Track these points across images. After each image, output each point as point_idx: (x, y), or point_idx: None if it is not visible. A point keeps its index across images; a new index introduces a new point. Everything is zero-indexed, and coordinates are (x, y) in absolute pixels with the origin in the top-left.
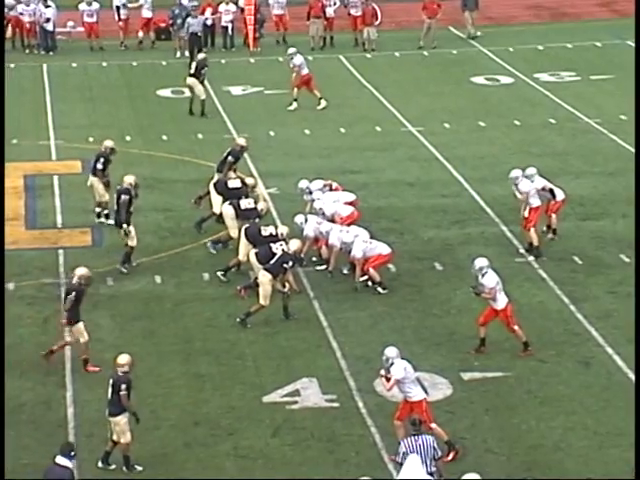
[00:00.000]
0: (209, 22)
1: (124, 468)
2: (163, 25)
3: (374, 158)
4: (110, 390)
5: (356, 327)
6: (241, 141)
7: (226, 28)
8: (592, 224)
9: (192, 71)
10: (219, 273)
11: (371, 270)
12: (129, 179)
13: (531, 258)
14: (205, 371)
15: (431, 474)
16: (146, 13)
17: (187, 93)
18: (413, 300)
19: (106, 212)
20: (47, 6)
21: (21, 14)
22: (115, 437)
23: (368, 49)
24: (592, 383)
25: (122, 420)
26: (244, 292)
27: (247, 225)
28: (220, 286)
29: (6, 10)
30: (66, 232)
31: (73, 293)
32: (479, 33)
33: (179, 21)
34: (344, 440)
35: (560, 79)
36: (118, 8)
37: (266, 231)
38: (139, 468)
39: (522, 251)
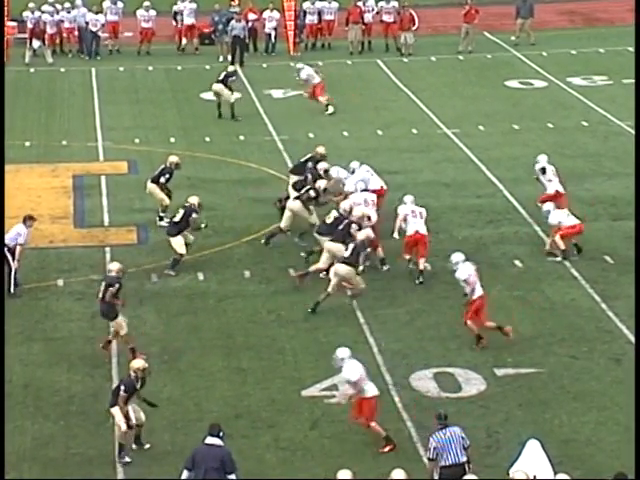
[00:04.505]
0: (249, 24)
1: (117, 454)
2: (207, 31)
3: (411, 159)
4: (116, 385)
5: (393, 323)
6: (321, 149)
7: (269, 34)
8: (624, 224)
9: (220, 78)
10: (292, 272)
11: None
12: (194, 200)
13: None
14: (246, 365)
15: (463, 463)
16: (188, 20)
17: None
18: (448, 297)
19: (161, 214)
20: (97, 12)
21: (62, 21)
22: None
23: (405, 53)
24: (623, 379)
25: (115, 410)
26: (299, 281)
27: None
28: (261, 283)
29: (43, 15)
30: (113, 230)
31: (116, 285)
32: (533, 40)
33: (220, 27)
34: None
35: (593, 83)
36: (175, 14)
37: (329, 218)
38: (127, 459)
39: (555, 250)
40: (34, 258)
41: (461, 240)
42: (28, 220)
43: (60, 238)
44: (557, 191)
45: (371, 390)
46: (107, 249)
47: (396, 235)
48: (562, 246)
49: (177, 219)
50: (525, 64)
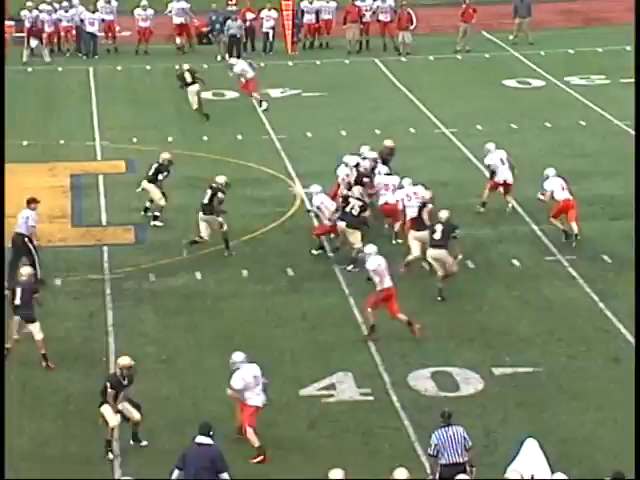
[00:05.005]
0: (247, 24)
1: (104, 449)
2: (204, 30)
3: (409, 159)
4: (102, 384)
5: (390, 323)
6: (387, 143)
7: (267, 34)
8: (622, 223)
9: (189, 80)
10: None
11: None
12: (221, 179)
13: (561, 256)
14: None
15: (464, 463)
16: (176, 19)
17: (228, 96)
18: (446, 297)
19: (156, 214)
20: (94, 11)
21: (59, 20)
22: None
23: (403, 53)
24: (621, 378)
25: (104, 408)
26: (405, 269)
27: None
28: (259, 283)
29: (41, 14)
30: (110, 230)
31: (40, 292)
32: (531, 39)
33: (217, 26)
34: (378, 433)
35: (590, 82)
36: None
37: (355, 210)
38: (110, 456)
39: (553, 250)
40: None
41: (459, 239)
42: (31, 203)
43: (58, 237)
44: (505, 181)
45: (253, 399)
46: (105, 248)
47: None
48: (560, 226)
49: (206, 200)
50: (523, 63)
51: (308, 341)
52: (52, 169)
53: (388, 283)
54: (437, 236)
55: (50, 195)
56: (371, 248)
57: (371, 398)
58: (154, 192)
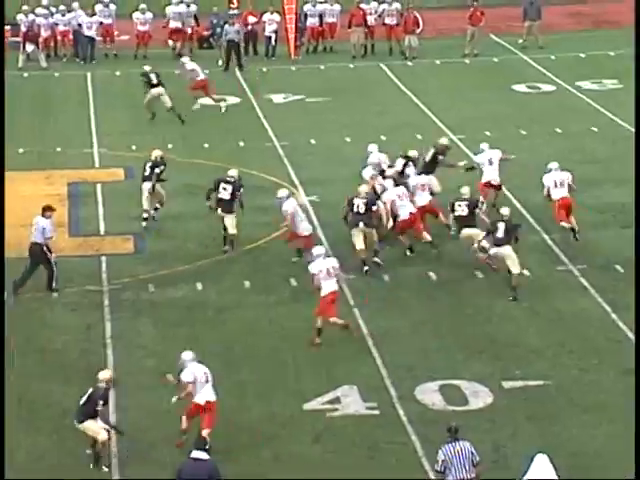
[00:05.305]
0: (249, 27)
1: (91, 465)
2: (205, 34)
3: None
4: (84, 399)
5: (396, 335)
6: (443, 141)
7: (269, 38)
8: (633, 232)
9: (154, 82)
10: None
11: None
12: (234, 172)
13: (572, 266)
14: (247, 378)
15: (471, 479)
16: (172, 23)
17: (230, 101)
18: (454, 308)
19: (157, 206)
20: (92, 15)
21: (56, 24)
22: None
23: (409, 57)
24: (633, 391)
25: (88, 423)
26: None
27: None
28: (261, 293)
29: (37, 19)
30: (109, 239)
31: None
32: (541, 43)
33: (218, 30)
34: (384, 447)
35: (602, 87)
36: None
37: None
38: (105, 469)
39: (564, 259)
40: None
41: (467, 248)
42: (47, 211)
43: (55, 247)
44: (489, 182)
45: (198, 396)
46: (103, 258)
47: (390, 223)
48: (567, 225)
49: (227, 196)
50: (533, 67)
51: (312, 353)
52: (49, 177)
53: (334, 286)
54: (500, 234)
55: (47, 204)
56: (319, 250)
57: (377, 412)
58: (159, 192)
